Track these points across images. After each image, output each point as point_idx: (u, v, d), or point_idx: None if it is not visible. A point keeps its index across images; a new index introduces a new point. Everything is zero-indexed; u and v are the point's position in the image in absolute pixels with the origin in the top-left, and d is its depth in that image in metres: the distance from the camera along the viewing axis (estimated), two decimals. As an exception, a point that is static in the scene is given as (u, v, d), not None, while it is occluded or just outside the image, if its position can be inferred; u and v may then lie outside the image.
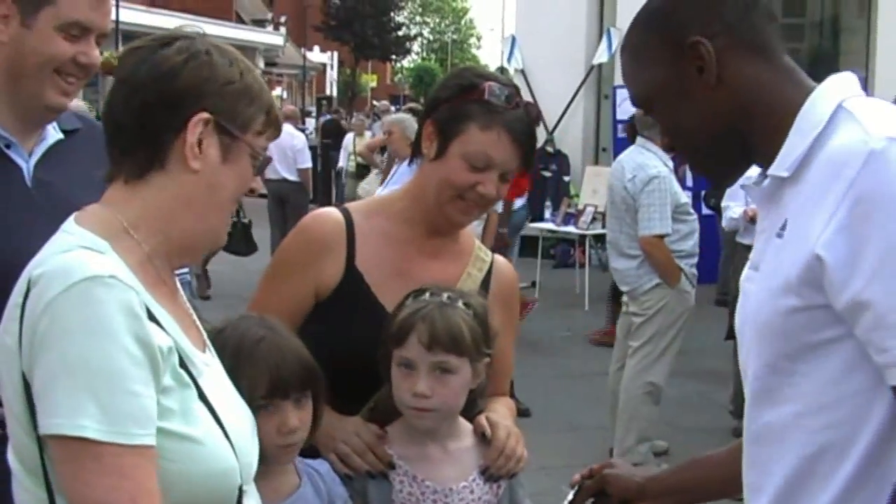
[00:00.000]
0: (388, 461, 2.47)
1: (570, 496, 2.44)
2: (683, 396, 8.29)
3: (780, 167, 1.84)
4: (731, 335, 7.37)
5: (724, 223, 7.94)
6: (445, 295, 2.47)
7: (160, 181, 1.87)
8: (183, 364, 1.82)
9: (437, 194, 2.57)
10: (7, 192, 2.44)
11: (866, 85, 12.16)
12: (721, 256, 11.73)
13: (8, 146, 2.48)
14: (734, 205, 7.77)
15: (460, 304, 2.47)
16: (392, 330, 2.43)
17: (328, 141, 20.28)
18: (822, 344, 1.76)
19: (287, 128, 14.96)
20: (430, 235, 2.67)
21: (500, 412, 2.65)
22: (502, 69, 25.29)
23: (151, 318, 1.77)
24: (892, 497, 1.71)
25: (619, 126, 14.31)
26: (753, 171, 1.99)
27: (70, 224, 1.88)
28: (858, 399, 1.74)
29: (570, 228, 13.04)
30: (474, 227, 2.91)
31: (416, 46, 77.88)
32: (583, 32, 16.17)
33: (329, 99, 46.34)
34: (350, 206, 2.77)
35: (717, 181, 2.04)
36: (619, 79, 14.81)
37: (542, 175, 15.44)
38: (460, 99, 2.55)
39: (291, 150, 14.08)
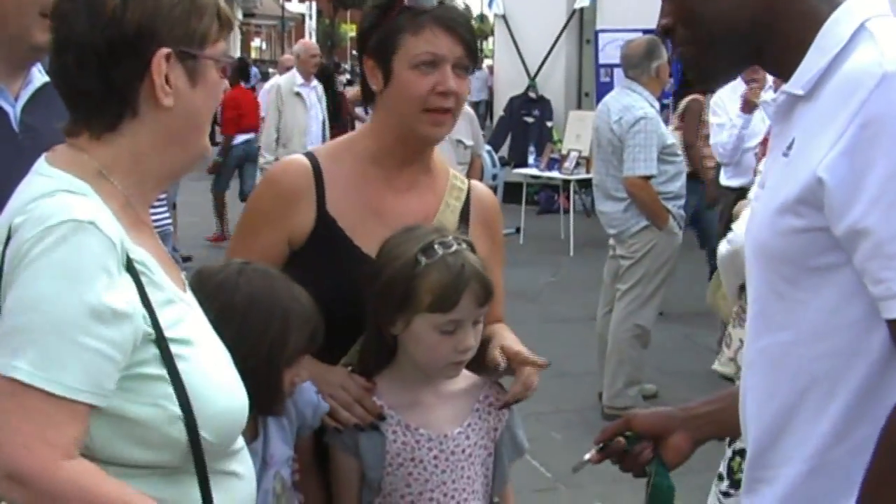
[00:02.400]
0: (378, 413, 2.42)
1: (588, 455, 2.30)
2: (669, 339, 8.27)
3: (795, 84, 1.77)
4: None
5: (717, 154, 7.84)
6: (451, 239, 2.38)
7: (134, 128, 1.82)
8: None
9: (403, 116, 2.50)
10: None
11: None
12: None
13: None
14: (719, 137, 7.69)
15: (465, 245, 2.40)
16: (430, 299, 2.33)
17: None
18: (821, 269, 1.70)
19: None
20: (400, 169, 2.59)
21: (511, 338, 2.57)
22: (482, 16, 25.00)
23: (130, 267, 1.73)
24: (881, 436, 1.64)
25: (602, 70, 14.22)
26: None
27: (44, 166, 1.82)
28: (854, 330, 1.69)
29: (554, 174, 13.00)
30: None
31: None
32: (564, -24, 16.00)
33: (308, 50, 45.99)
34: (315, 150, 2.70)
35: (707, 80, 1.97)
36: (601, 23, 14.82)
37: (525, 121, 15.38)
38: (384, 19, 2.49)
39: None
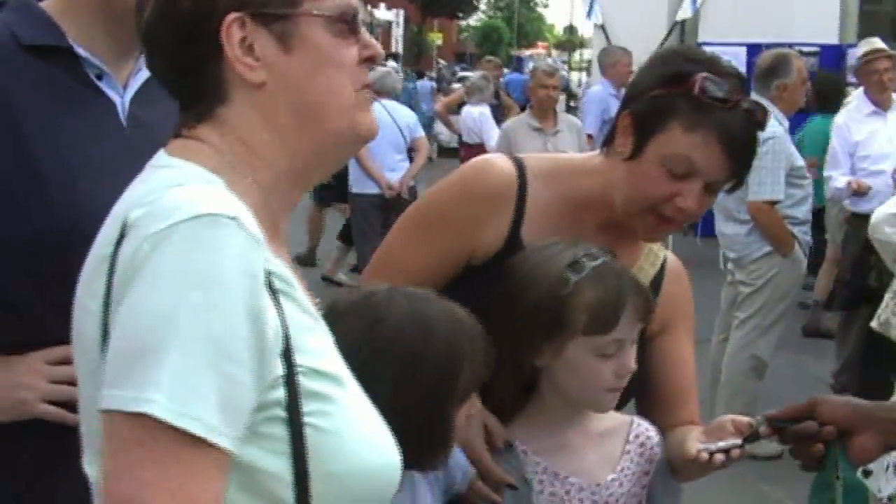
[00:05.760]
0: (508, 483, 2.10)
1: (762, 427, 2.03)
2: (778, 367, 7.88)
3: None
4: (843, 307, 6.99)
5: (827, 194, 7.56)
6: (598, 251, 2.11)
7: (234, 114, 1.49)
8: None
9: (627, 202, 2.18)
10: (98, 132, 2.07)
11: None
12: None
13: (99, 77, 2.10)
14: (837, 174, 7.38)
15: (612, 256, 2.13)
16: (586, 320, 2.05)
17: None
18: None
19: None
20: (606, 224, 2.27)
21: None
22: (571, 27, 24.73)
23: (268, 283, 1.38)
24: None
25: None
26: None
27: (164, 158, 1.49)
28: None
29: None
30: None
31: (482, 4, 77.14)
32: (666, -13, 15.67)
33: (395, 56, 46.19)
34: (528, 160, 2.33)
35: None
36: (703, 35, 14.51)
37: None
38: (664, 90, 2.13)
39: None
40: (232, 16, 1.45)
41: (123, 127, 2.12)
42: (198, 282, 1.29)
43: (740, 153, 2.14)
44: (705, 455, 2.05)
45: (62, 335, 1.95)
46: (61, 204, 1.98)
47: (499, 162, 2.30)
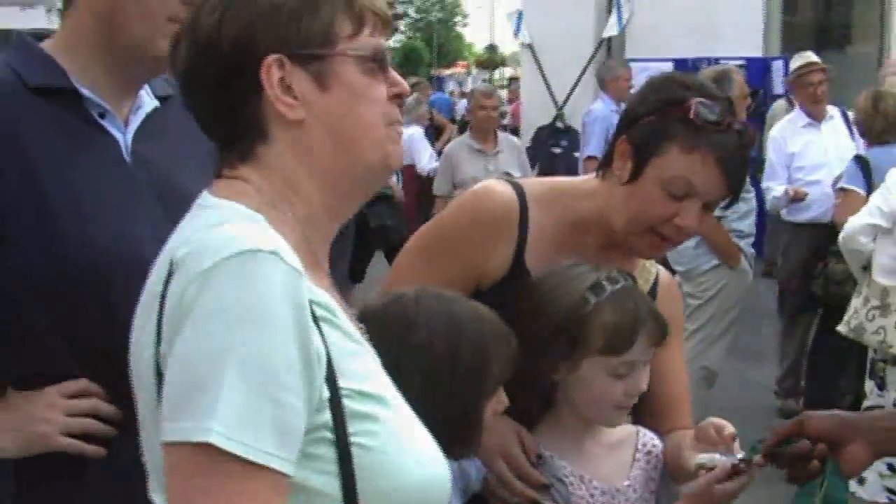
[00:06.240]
0: (541, 483, 2.19)
1: (755, 458, 2.08)
2: (721, 375, 8.00)
3: None
4: (791, 313, 7.15)
5: (767, 205, 7.73)
6: (617, 275, 2.18)
7: (275, 152, 1.55)
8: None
9: (628, 223, 2.25)
10: (104, 170, 2.09)
11: (880, 61, 11.88)
12: (767, 230, 11.37)
13: (102, 115, 2.13)
14: (775, 185, 7.54)
15: (631, 281, 2.22)
16: (602, 341, 2.13)
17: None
18: None
19: None
20: (604, 245, 2.35)
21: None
22: (492, 46, 24.92)
23: (311, 312, 1.43)
24: None
25: (632, 100, 13.98)
26: None
27: (208, 198, 1.54)
28: None
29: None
30: None
31: (402, 25, 77.30)
32: (592, 4, 15.81)
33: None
34: (526, 185, 2.38)
35: None
36: (630, 52, 14.61)
37: (552, 151, 15.16)
38: (660, 115, 2.21)
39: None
40: (271, 57, 1.51)
41: (127, 164, 2.14)
42: (247, 316, 1.34)
43: (736, 172, 2.22)
44: (704, 473, 2.13)
45: (72, 368, 2.00)
46: (74, 240, 2.00)
47: (498, 187, 2.35)
